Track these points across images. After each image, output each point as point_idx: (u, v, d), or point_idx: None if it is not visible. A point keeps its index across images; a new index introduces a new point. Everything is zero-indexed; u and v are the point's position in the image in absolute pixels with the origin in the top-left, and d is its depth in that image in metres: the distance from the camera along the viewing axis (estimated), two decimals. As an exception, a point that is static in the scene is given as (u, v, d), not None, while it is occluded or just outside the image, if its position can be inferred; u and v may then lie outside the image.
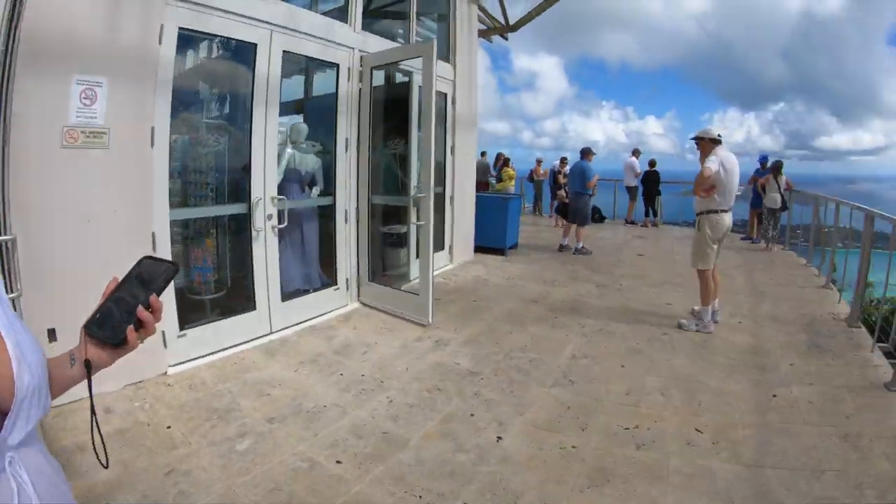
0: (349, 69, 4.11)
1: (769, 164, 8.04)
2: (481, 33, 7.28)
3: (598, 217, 10.72)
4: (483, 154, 11.40)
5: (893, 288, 4.04)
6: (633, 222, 10.50)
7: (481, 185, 10.71)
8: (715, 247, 3.94)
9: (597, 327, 4.00)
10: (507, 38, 7.79)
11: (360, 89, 4.19)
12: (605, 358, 3.38)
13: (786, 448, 2.36)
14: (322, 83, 4.92)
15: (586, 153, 7.20)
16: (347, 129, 4.16)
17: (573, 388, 2.92)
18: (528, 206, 12.35)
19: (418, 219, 4.01)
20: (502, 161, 11.22)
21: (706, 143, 3.92)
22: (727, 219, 3.92)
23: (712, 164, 3.73)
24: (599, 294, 5.05)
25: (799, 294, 5.35)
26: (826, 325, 4.27)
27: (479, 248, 6.58)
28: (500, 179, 10.76)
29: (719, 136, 3.92)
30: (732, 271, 6.19)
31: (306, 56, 3.87)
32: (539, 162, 11.88)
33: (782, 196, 7.61)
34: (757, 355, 3.53)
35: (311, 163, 4.28)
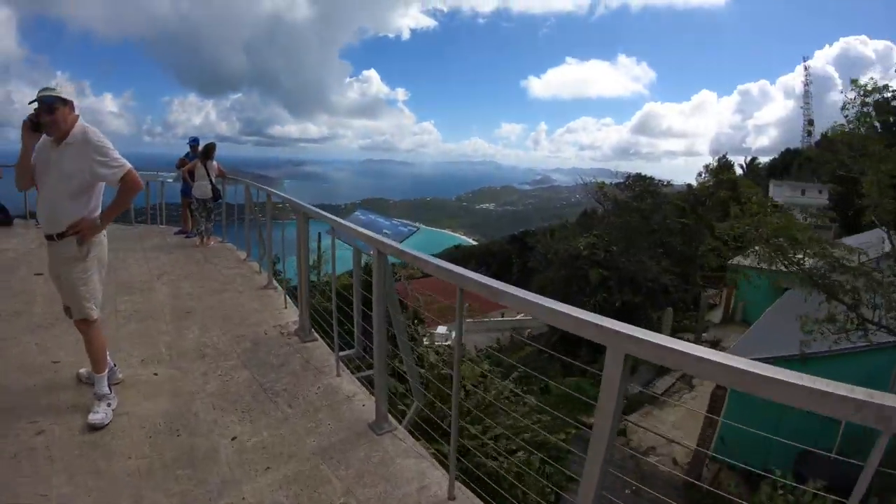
0: None
1: (200, 149, 6.61)
2: None
3: (2, 218, 7.35)
4: None
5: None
6: None
7: None
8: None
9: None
10: None
11: None
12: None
13: None
14: None
15: None
16: None
17: None
18: None
19: None
20: None
21: (68, 111, 2.33)
22: None
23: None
24: (-50, 361, 2.95)
25: (237, 303, 4.14)
26: (274, 348, 3.17)
27: None
28: None
29: None
30: (154, 283, 4.57)
31: None
32: None
33: (213, 184, 6.32)
34: (182, 434, 2.27)
35: None
